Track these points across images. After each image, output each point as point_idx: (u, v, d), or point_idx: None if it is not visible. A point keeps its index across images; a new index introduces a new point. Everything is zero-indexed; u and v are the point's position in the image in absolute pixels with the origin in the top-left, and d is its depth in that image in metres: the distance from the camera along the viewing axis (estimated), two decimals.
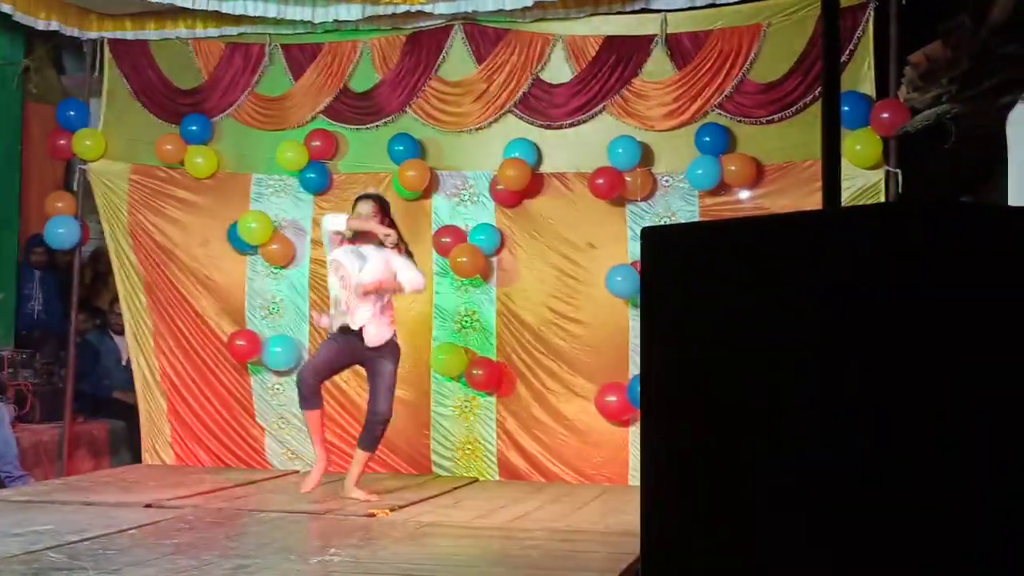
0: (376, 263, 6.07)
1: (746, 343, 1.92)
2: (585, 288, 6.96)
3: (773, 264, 1.89)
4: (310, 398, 6.16)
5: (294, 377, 7.31)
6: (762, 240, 1.93)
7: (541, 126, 7.08)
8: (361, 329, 6.03)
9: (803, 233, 1.89)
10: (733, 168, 6.64)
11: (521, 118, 7.10)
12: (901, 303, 1.73)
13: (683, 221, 6.78)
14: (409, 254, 6.26)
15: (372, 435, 6.14)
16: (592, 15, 6.95)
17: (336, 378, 7.25)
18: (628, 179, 6.83)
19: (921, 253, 1.73)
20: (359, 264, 6.07)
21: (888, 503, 1.72)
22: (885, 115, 6.15)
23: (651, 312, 2.08)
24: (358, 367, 6.44)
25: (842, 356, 1.79)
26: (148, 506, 5.74)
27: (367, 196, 6.32)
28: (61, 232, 7.47)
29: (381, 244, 6.11)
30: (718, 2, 6.69)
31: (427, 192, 7.20)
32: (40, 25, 7.29)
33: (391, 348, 6.12)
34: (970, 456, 1.69)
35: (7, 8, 7.04)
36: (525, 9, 6.81)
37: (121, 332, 7.95)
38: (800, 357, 1.85)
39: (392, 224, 6.22)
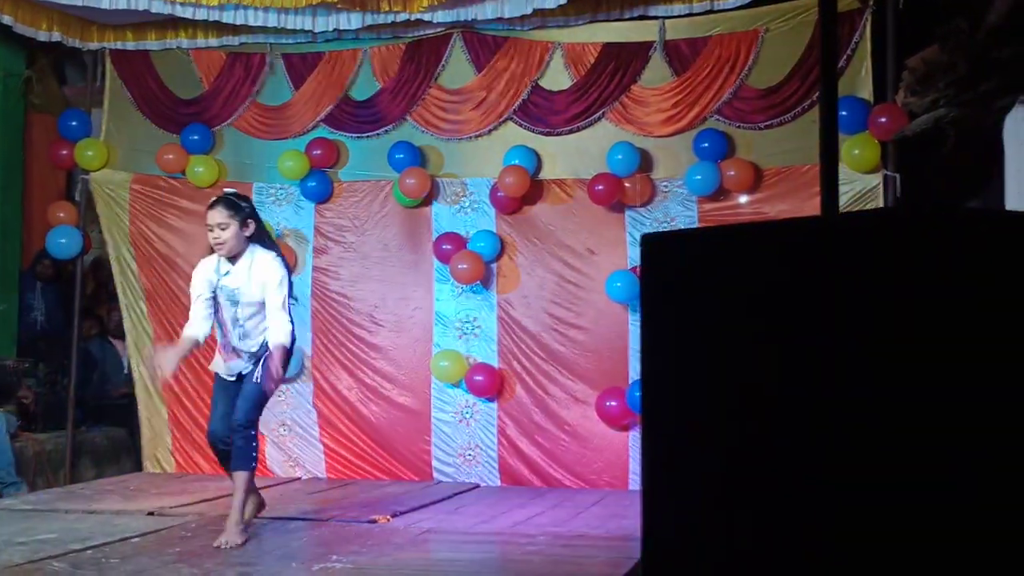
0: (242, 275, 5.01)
1: (745, 349, 1.94)
2: (585, 294, 6.99)
3: (772, 270, 1.91)
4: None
5: (296, 385, 7.34)
6: (762, 246, 1.95)
7: (541, 133, 7.10)
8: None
9: (802, 239, 1.90)
10: (732, 173, 6.67)
11: (520, 125, 7.13)
12: (900, 309, 1.75)
13: (682, 226, 6.80)
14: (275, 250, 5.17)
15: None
16: (591, 22, 6.97)
17: (336, 382, 7.28)
18: (627, 185, 6.85)
19: (920, 259, 1.74)
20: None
21: (892, 511, 1.73)
22: (883, 119, 6.17)
23: (651, 318, 2.10)
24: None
25: (842, 361, 1.81)
26: (151, 514, 5.76)
27: (214, 202, 5.05)
28: (63, 242, 7.48)
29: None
30: (716, 8, 6.71)
31: (427, 199, 7.23)
32: (42, 36, 7.32)
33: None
34: (975, 459, 1.71)
35: (8, 20, 7.08)
36: (524, 17, 6.84)
37: (120, 338, 7.97)
38: (800, 362, 1.87)
39: (258, 224, 5.11)
